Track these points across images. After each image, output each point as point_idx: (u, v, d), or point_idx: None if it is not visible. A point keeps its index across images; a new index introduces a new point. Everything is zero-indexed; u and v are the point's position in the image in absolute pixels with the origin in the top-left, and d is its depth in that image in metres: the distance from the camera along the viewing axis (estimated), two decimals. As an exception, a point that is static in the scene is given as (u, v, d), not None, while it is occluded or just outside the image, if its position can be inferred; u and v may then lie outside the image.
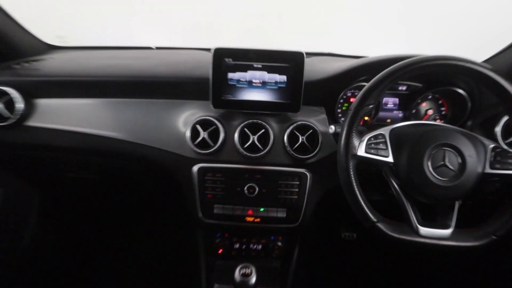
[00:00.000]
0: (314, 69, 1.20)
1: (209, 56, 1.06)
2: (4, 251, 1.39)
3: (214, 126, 1.12)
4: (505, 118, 1.11)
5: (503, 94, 0.85)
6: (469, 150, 0.86)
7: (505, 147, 0.97)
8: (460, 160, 0.85)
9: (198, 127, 1.12)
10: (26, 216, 1.59)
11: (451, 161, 0.86)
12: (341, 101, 1.24)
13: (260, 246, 1.30)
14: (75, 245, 1.85)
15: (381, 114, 1.28)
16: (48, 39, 1.56)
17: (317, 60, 1.38)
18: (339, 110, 1.24)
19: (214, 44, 1.05)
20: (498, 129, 1.12)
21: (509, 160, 0.87)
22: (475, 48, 1.35)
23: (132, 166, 1.34)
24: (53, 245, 1.73)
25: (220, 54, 1.05)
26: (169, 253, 1.91)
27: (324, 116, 1.18)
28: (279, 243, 1.29)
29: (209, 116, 1.13)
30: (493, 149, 0.87)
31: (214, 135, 1.12)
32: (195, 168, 1.14)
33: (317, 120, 1.17)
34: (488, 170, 0.87)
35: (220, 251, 1.28)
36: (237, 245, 1.29)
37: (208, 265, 1.32)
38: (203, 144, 1.12)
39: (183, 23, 1.90)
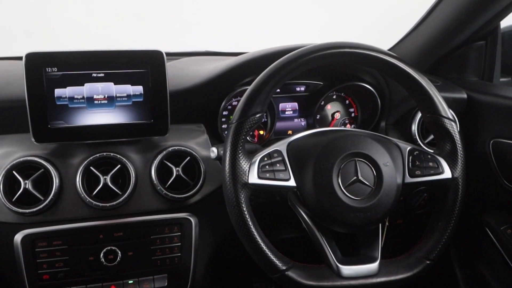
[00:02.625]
0: (183, 73, 1.11)
1: (20, 68, 0.90)
2: None
3: (41, 170, 0.92)
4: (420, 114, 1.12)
5: (412, 84, 0.85)
6: (383, 158, 0.82)
7: (424, 148, 0.99)
8: (374, 172, 0.82)
9: (16, 174, 0.90)
10: None
11: (365, 174, 0.82)
12: (225, 113, 1.14)
13: None
14: None
15: (279, 124, 1.21)
16: None
17: (188, 61, 1.28)
18: (224, 126, 1.14)
19: (27, 49, 0.88)
20: (414, 128, 1.13)
21: (430, 163, 0.86)
22: (377, 35, 1.38)
23: None
24: None
25: (38, 62, 0.88)
26: None
27: (205, 136, 1.08)
28: None
29: (32, 156, 0.92)
30: (410, 152, 0.86)
31: (43, 183, 0.92)
32: (18, 237, 0.91)
33: (197, 143, 1.05)
34: (408, 179, 0.84)
35: None
36: None
37: None
38: (27, 199, 0.90)
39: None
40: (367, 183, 0.81)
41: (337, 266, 0.80)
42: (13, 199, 0.88)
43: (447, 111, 0.87)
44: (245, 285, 1.66)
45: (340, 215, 0.80)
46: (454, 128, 0.88)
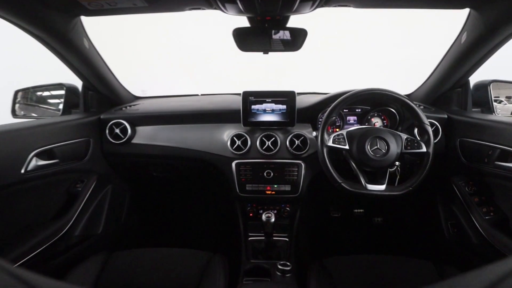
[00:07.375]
0: (302, 101, 1.81)
1: (238, 97, 1.71)
2: (111, 224, 1.99)
3: (244, 137, 1.70)
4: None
5: (413, 112, 1.35)
6: (391, 140, 1.33)
7: (414, 137, 1.41)
8: (386, 146, 1.33)
9: (235, 138, 1.70)
10: (123, 203, 2.17)
11: (381, 146, 1.33)
12: (320, 119, 1.77)
13: (275, 211, 1.82)
14: (153, 220, 2.45)
15: (346, 127, 1.81)
16: (134, 92, 2.18)
17: (304, 96, 1.99)
18: (319, 125, 1.67)
19: (241, 89, 1.68)
20: (415, 131, 1.62)
21: (415, 144, 1.33)
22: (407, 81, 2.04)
23: (194, 165, 1.86)
24: (139, 220, 2.33)
25: (247, 95, 1.67)
26: (219, 218, 2.47)
27: (310, 128, 1.76)
28: (287, 208, 1.81)
29: (240, 131, 1.72)
30: (406, 139, 1.37)
31: (244, 142, 1.69)
32: (233, 163, 1.71)
33: (306, 131, 1.74)
34: (403, 150, 1.35)
35: (251, 214, 1.84)
36: (261, 211, 1.84)
37: (244, 223, 1.84)
38: (238, 149, 1.69)
39: (217, 76, 2.92)
40: (382, 150, 1.30)
41: (365, 184, 1.30)
42: (233, 148, 1.67)
43: (425, 120, 1.32)
44: (325, 209, 2.34)
45: (368, 162, 1.31)
46: (429, 128, 1.33)
